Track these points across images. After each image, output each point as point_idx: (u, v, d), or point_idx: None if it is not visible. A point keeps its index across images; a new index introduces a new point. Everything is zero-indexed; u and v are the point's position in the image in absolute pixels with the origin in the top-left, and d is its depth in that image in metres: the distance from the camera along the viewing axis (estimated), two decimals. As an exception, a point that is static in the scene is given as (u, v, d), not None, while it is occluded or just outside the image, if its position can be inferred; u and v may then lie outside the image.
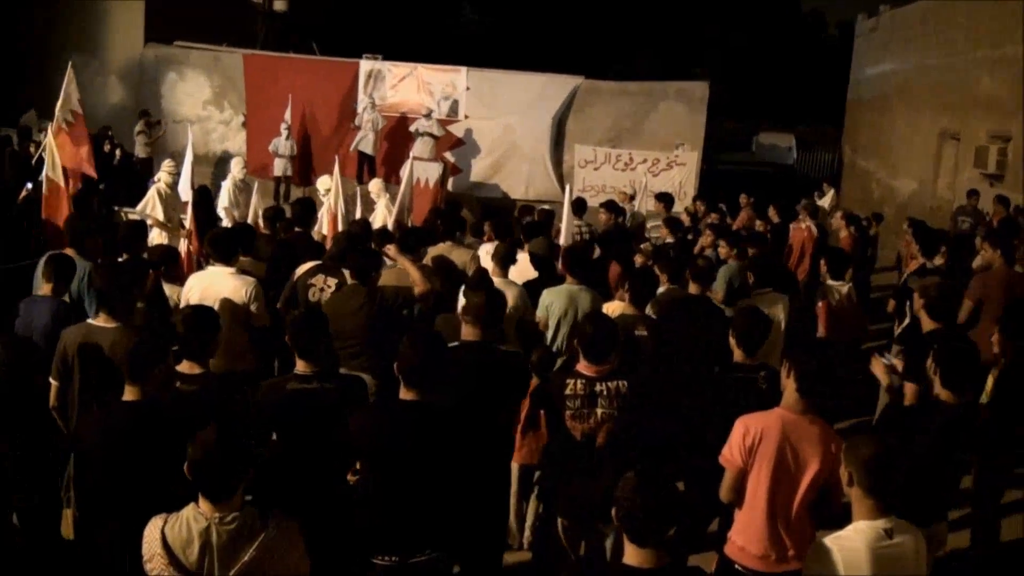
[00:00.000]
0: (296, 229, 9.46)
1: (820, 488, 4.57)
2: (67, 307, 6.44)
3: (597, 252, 9.97)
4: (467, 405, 4.88)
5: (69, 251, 7.17)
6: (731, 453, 4.66)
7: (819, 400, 4.71)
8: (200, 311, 5.56)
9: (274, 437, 5.08)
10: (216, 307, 6.79)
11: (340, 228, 11.40)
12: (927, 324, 6.91)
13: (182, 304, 6.99)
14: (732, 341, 5.84)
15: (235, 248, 7.42)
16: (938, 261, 9.80)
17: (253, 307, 6.95)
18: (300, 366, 5.14)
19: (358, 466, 4.70)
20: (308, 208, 9.85)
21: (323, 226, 11.85)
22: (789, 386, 4.69)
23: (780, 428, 4.58)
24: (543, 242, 9.33)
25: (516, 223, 10.96)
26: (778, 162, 30.98)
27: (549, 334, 7.48)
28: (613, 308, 7.70)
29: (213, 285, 7.00)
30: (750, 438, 4.59)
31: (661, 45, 41.50)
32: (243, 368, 6.75)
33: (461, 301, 7.17)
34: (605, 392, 5.18)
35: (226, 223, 12.53)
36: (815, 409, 4.68)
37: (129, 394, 4.53)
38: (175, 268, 8.08)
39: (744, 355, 5.79)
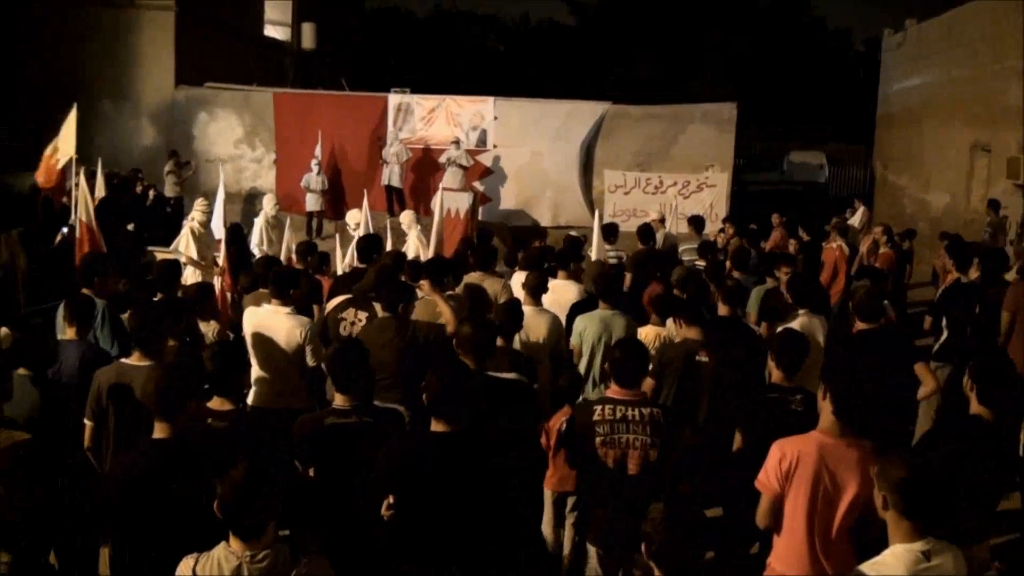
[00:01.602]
0: (360, 264, 9.40)
1: (860, 512, 4.51)
2: (95, 349, 6.50)
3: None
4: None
5: (86, 291, 7.22)
6: (767, 478, 4.60)
7: (859, 421, 4.66)
8: (228, 348, 5.58)
9: (311, 472, 5.10)
10: (272, 345, 6.92)
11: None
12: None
13: (247, 337, 7.06)
14: (771, 363, 5.80)
15: (292, 288, 7.41)
16: (973, 275, 9.69)
17: (308, 348, 6.97)
18: (338, 400, 5.15)
19: (391, 499, 4.70)
20: (373, 244, 9.76)
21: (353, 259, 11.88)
22: (826, 409, 4.63)
23: (817, 452, 4.52)
24: (596, 266, 9.32)
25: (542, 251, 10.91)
26: (809, 180, 30.82)
27: (584, 360, 7.46)
28: (647, 332, 7.69)
29: (268, 323, 7.02)
30: (786, 463, 4.53)
31: (686, 68, 41.54)
32: (295, 406, 6.75)
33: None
34: (637, 417, 5.13)
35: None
36: (853, 432, 4.62)
37: (159, 432, 4.55)
38: (210, 305, 8.14)
39: (783, 376, 5.74)
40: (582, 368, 7.46)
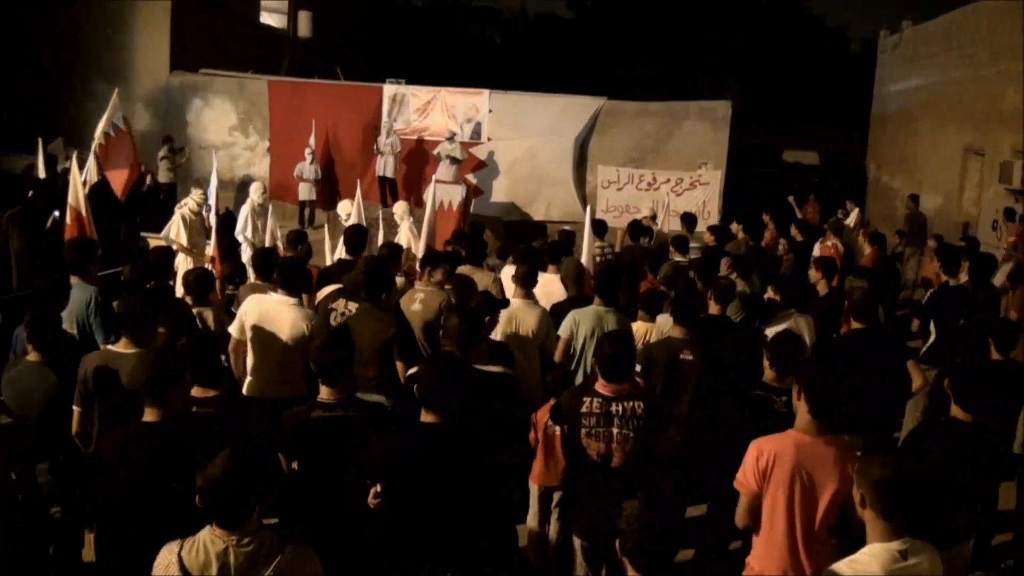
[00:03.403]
0: (347, 256, 9.39)
1: (840, 510, 4.52)
2: None
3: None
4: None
5: (74, 278, 7.19)
6: (745, 477, 4.62)
7: (836, 420, 4.68)
8: (201, 339, 5.59)
9: (294, 465, 5.10)
10: (276, 336, 6.89)
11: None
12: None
13: (235, 323, 7.05)
14: (766, 362, 5.82)
15: (302, 280, 7.40)
16: (963, 278, 9.70)
17: (316, 341, 6.93)
18: (324, 392, 5.13)
19: (378, 488, 4.72)
20: (361, 235, 9.77)
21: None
22: (801, 408, 4.65)
23: (794, 450, 4.53)
24: (573, 264, 9.33)
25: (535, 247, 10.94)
26: (803, 179, 30.83)
27: (576, 354, 7.48)
28: (635, 328, 7.72)
29: (274, 313, 6.96)
30: (763, 461, 4.54)
31: (685, 63, 41.54)
32: (293, 394, 6.74)
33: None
34: (621, 412, 5.17)
35: (245, 248, 12.61)
36: (830, 430, 4.63)
37: (150, 415, 4.57)
38: (209, 292, 8.14)
39: (775, 376, 5.78)
40: (573, 364, 7.47)
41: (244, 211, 13.78)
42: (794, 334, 6.26)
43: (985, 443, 5.00)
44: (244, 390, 6.91)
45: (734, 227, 14.66)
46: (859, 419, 6.48)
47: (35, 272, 10.62)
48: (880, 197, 25.43)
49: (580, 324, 7.48)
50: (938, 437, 5.05)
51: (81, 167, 10.70)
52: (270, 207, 13.71)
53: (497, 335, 7.27)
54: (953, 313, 8.88)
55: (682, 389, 6.69)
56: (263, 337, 6.93)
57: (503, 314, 7.36)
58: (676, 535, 3.48)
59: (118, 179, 11.99)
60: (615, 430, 5.16)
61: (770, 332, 7.53)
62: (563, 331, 7.53)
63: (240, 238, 13.14)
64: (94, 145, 12.16)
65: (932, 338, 8.88)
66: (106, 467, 4.50)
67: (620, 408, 5.18)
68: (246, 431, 4.98)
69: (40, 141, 14.78)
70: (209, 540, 3.63)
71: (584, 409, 5.21)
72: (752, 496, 4.59)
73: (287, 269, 7.33)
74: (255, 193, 13.95)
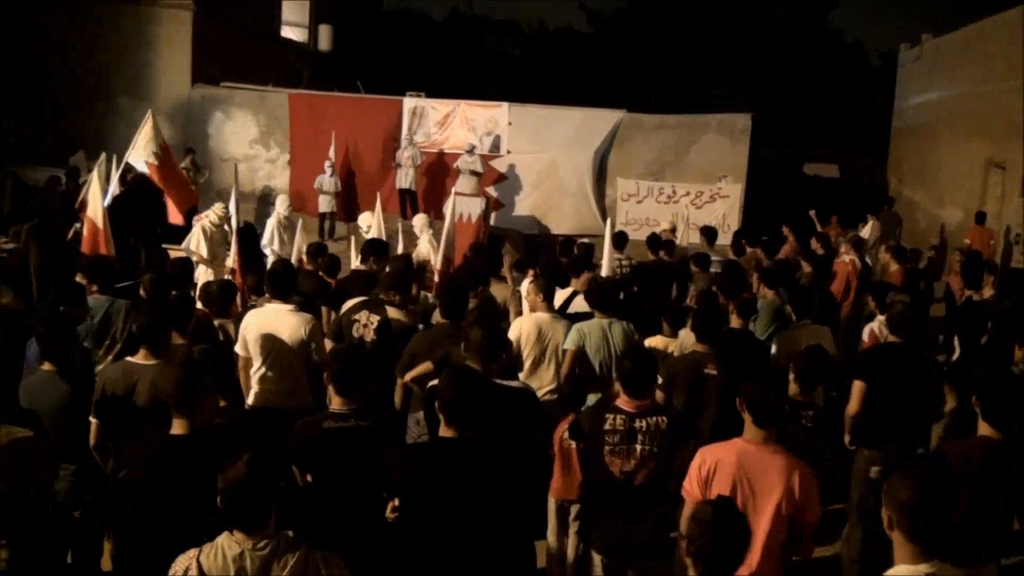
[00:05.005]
0: (361, 267, 9.37)
1: (787, 521, 4.50)
2: None
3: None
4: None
5: (95, 293, 7.24)
6: (690, 484, 4.62)
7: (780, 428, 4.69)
8: (220, 350, 5.59)
9: (308, 477, 5.08)
10: (278, 344, 6.89)
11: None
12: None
13: (239, 342, 7.05)
14: (791, 376, 5.80)
15: (292, 286, 7.40)
16: (987, 293, 9.59)
17: (313, 344, 6.95)
18: (336, 403, 5.11)
19: (396, 503, 4.70)
20: (377, 248, 9.82)
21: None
22: (747, 419, 4.65)
23: (736, 459, 4.54)
24: (591, 278, 9.30)
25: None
26: (824, 194, 30.67)
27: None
28: (655, 342, 7.67)
29: (272, 322, 6.97)
30: (705, 469, 4.56)
31: (704, 77, 41.47)
32: (301, 405, 6.76)
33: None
34: (644, 428, 5.14)
35: (271, 261, 12.65)
36: (776, 439, 4.63)
37: (178, 428, 4.56)
38: (230, 304, 8.14)
39: (799, 391, 5.76)
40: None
41: (270, 224, 13.84)
42: (821, 348, 6.20)
43: (1017, 461, 4.93)
44: (250, 401, 6.91)
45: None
46: (885, 433, 6.43)
47: (52, 284, 10.67)
48: (901, 210, 25.23)
49: (588, 337, 7.39)
50: (965, 456, 4.98)
51: (104, 180, 10.73)
52: (300, 221, 13.75)
53: (528, 349, 7.28)
54: (975, 328, 8.77)
55: (706, 404, 6.64)
56: (266, 347, 6.92)
57: (533, 328, 7.35)
58: (747, 542, 3.47)
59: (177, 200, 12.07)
60: (638, 446, 5.13)
61: (783, 344, 7.53)
62: (570, 344, 7.36)
63: (267, 251, 13.18)
64: (141, 158, 12.09)
65: (957, 353, 8.78)
66: (134, 479, 4.49)
67: (644, 424, 5.15)
68: (261, 442, 4.96)
69: (103, 155, 14.89)
70: (227, 545, 3.65)
71: (607, 426, 5.18)
72: (696, 503, 4.54)
73: (275, 277, 7.34)
74: (281, 206, 13.99)
